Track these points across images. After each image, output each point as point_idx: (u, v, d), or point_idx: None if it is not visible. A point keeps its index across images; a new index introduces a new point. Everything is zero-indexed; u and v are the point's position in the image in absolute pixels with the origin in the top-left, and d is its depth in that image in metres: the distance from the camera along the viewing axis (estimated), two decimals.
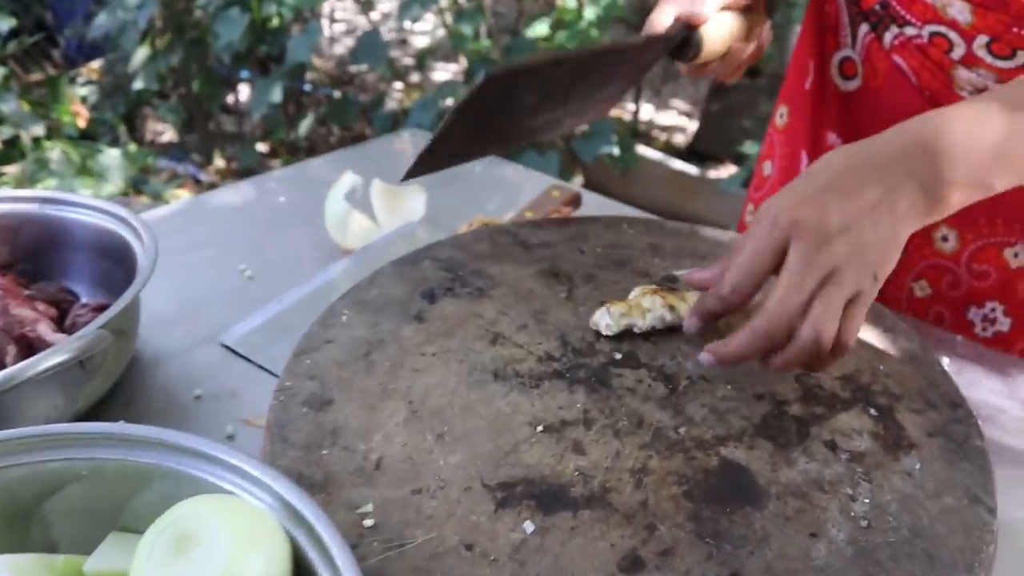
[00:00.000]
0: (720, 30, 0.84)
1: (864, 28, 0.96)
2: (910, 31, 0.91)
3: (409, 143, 1.37)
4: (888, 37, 0.93)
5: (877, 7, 0.93)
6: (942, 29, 0.87)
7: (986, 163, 0.65)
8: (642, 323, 0.75)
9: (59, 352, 0.67)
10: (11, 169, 2.81)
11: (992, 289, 0.95)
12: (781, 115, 1.12)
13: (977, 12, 0.84)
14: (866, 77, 0.98)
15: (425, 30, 4.14)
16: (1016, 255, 0.93)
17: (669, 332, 0.75)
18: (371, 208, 1.08)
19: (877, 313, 0.80)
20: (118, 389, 0.81)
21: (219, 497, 0.53)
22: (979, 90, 0.87)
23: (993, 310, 0.95)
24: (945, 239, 0.96)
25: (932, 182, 0.64)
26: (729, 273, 0.66)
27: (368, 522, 0.57)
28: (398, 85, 3.86)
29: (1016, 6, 0.81)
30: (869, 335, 0.77)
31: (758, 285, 0.66)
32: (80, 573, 0.55)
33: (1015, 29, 0.82)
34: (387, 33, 3.90)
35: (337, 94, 3.32)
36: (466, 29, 2.67)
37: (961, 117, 0.66)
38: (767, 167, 1.14)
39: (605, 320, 0.75)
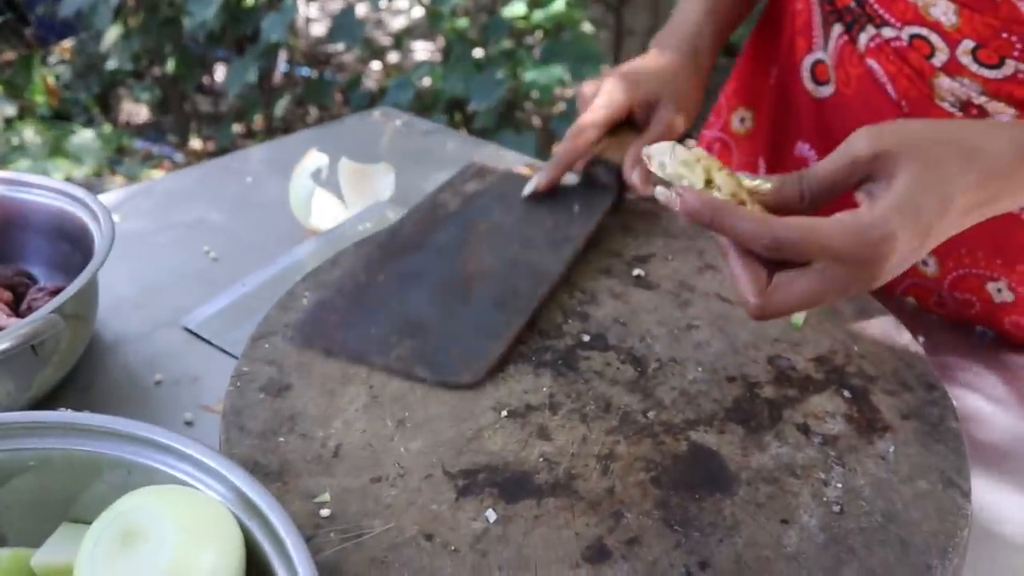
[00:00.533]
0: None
1: (838, 29, 0.90)
2: (888, 32, 0.84)
3: (381, 121, 1.34)
4: (863, 39, 0.87)
5: (852, 4, 0.87)
6: (923, 31, 0.81)
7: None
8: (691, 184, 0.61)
9: (7, 337, 0.65)
10: None
11: (979, 317, 0.90)
12: (743, 120, 1.08)
13: (963, 13, 0.78)
14: (839, 84, 0.92)
15: (402, 8, 4.10)
16: (999, 290, 0.88)
17: (639, 314, 0.74)
18: (339, 188, 1.05)
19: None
20: (76, 374, 0.79)
21: (170, 489, 0.51)
22: (962, 102, 0.81)
23: (984, 333, 0.91)
24: (925, 263, 0.91)
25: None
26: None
27: (325, 512, 0.55)
28: (376, 65, 3.82)
29: (1006, 8, 0.75)
30: (844, 316, 0.76)
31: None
32: (26, 568, 0.53)
33: (1004, 34, 0.76)
34: (363, 12, 3.85)
35: (314, 74, 3.29)
36: (444, 8, 2.63)
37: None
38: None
39: (663, 158, 0.62)
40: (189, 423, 0.74)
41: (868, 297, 0.78)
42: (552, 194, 0.87)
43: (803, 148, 1.00)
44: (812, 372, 0.69)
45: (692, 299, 0.76)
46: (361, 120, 1.36)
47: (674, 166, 0.61)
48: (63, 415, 0.56)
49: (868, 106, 0.89)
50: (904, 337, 0.74)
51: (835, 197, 0.62)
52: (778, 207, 0.62)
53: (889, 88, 0.86)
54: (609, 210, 0.85)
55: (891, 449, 0.63)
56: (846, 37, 0.89)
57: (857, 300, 0.78)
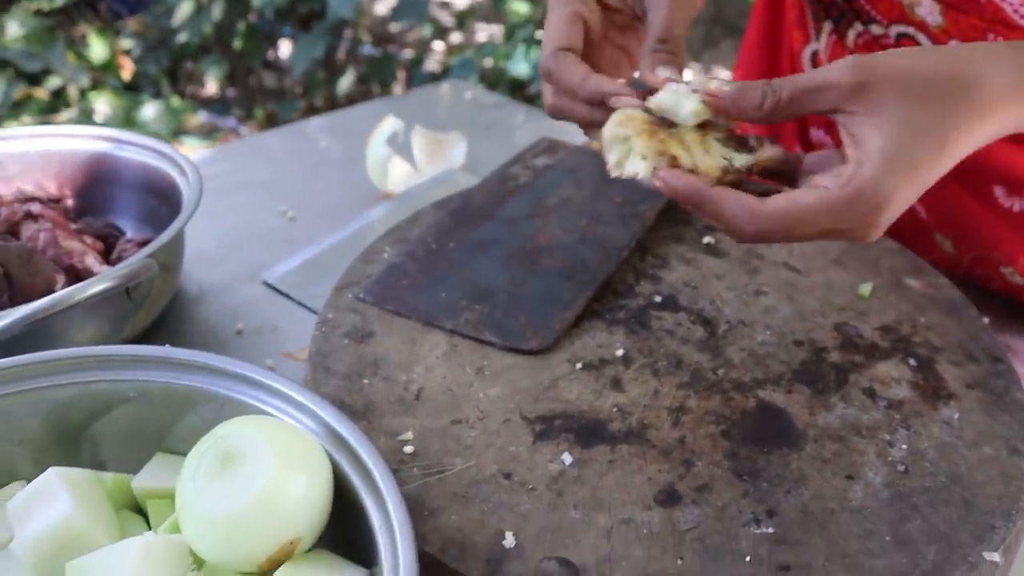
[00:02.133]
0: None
1: (828, 25, 0.89)
2: (876, 30, 0.83)
3: (449, 94, 1.37)
4: (851, 35, 0.86)
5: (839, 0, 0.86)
6: (910, 31, 0.80)
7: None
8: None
9: (107, 278, 0.68)
10: (58, 119, 2.84)
11: (1005, 291, 0.89)
12: None
13: (948, 14, 0.76)
14: None
15: None
16: (1011, 274, 0.87)
17: (708, 279, 0.75)
18: (412, 154, 1.08)
19: (918, 267, 0.79)
20: (162, 322, 0.83)
21: (264, 418, 0.54)
22: None
23: None
24: (944, 241, 0.90)
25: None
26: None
27: (408, 449, 0.57)
28: (439, 45, 3.85)
29: (991, 9, 0.73)
30: (910, 290, 0.76)
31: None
32: (127, 490, 0.56)
33: (990, 36, 0.75)
34: None
35: (378, 52, 3.32)
36: None
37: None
38: None
39: (636, 168, 0.57)
40: (271, 369, 0.77)
41: (936, 272, 0.79)
42: None
43: (818, 133, 1.00)
44: (878, 340, 0.70)
45: (761, 267, 0.78)
46: (431, 92, 1.39)
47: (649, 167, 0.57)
48: (164, 350, 0.58)
49: None
50: (970, 312, 0.75)
51: (798, 117, 0.58)
52: (735, 113, 0.57)
53: None
54: None
55: (956, 416, 0.64)
56: (835, 35, 0.88)
57: (924, 275, 0.78)
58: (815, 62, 0.95)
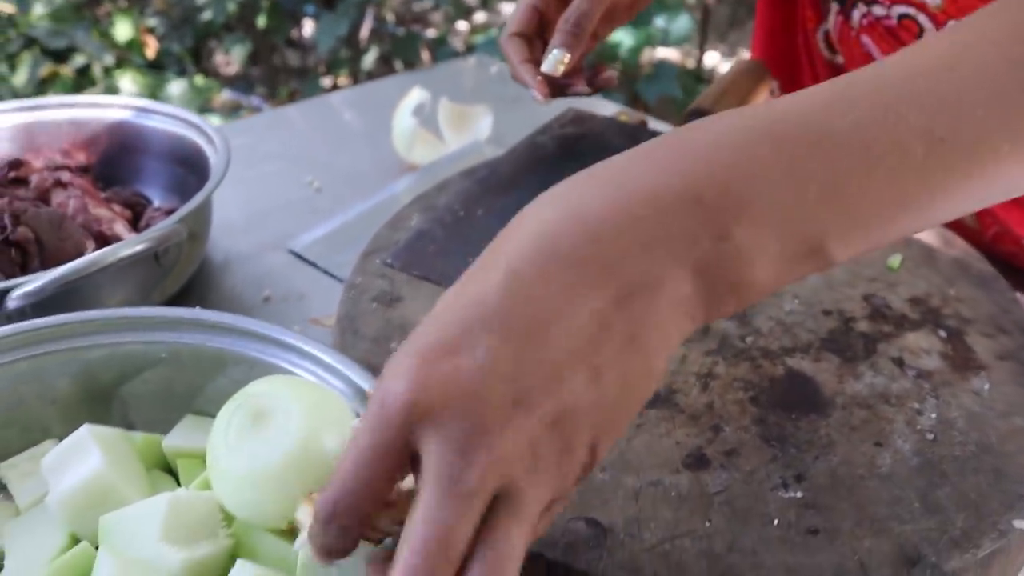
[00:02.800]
0: None
1: (835, 6, 0.89)
2: (878, 10, 0.83)
3: (477, 67, 1.36)
4: (856, 15, 0.86)
5: None
6: (911, 11, 0.80)
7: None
8: None
9: (137, 242, 0.69)
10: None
11: None
12: (772, 91, 1.02)
13: None
14: (845, 60, 0.91)
15: None
16: None
17: None
18: (438, 126, 1.08)
19: (948, 240, 0.78)
20: (189, 290, 0.83)
21: (294, 378, 0.54)
22: None
23: None
24: (964, 218, 0.88)
25: (715, 256, 0.37)
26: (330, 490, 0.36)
27: None
28: (463, 25, 3.84)
29: None
30: (940, 262, 0.76)
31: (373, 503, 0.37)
32: (157, 449, 0.57)
33: None
34: None
35: (401, 31, 3.32)
36: None
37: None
38: None
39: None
40: None
41: (967, 245, 0.78)
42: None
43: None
44: (907, 311, 0.70)
45: None
46: (457, 65, 1.39)
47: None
48: (195, 312, 0.59)
49: None
50: (1000, 285, 0.74)
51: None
52: None
53: None
54: None
55: (986, 387, 0.63)
56: (842, 15, 0.88)
57: (955, 248, 0.78)
58: (828, 41, 0.94)
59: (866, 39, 0.86)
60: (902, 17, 0.81)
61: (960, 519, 0.52)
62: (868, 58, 0.86)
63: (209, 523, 0.49)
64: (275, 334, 0.58)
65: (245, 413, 0.49)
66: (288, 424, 0.48)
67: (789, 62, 1.01)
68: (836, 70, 0.95)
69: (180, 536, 0.47)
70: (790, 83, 1.02)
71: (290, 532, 0.47)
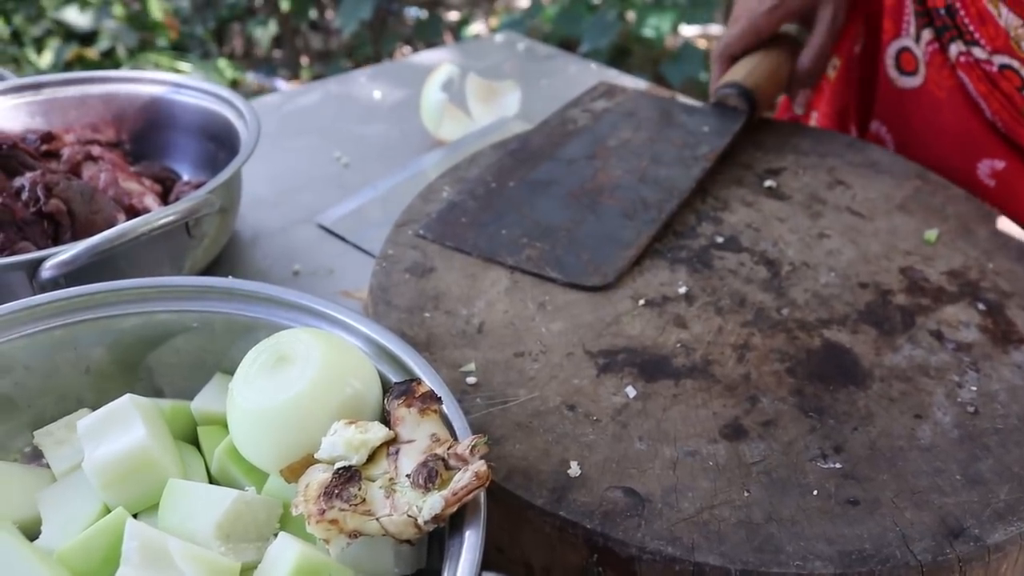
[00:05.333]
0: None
1: (927, 34, 0.86)
2: (979, 53, 0.81)
3: (504, 44, 1.36)
4: (953, 50, 0.84)
5: (942, 10, 0.84)
6: (1014, 64, 0.78)
7: None
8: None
9: (169, 212, 0.68)
10: None
11: None
12: (834, 66, 1.03)
13: None
14: (929, 83, 0.88)
15: None
16: None
17: (770, 221, 0.74)
18: (465, 102, 1.07)
19: (985, 213, 0.77)
20: (219, 263, 0.83)
21: (324, 332, 0.53)
22: None
23: None
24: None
25: None
26: None
27: (471, 380, 0.57)
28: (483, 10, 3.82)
29: None
30: (978, 237, 0.75)
31: None
32: (184, 417, 0.57)
33: None
34: None
35: (423, 14, 3.30)
36: None
37: None
38: (813, 118, 1.05)
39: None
40: None
41: (1005, 219, 0.77)
42: (683, 114, 0.88)
43: (878, 127, 0.97)
44: (945, 284, 0.69)
45: (823, 211, 0.76)
46: (485, 43, 1.38)
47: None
48: (227, 281, 0.59)
49: (958, 115, 0.86)
50: None
51: None
52: None
53: (983, 105, 0.83)
54: (739, 132, 0.85)
55: None
56: (936, 45, 0.86)
57: (993, 222, 0.77)
58: (900, 59, 0.92)
59: (963, 75, 0.84)
60: (1003, 68, 0.80)
61: (1003, 491, 0.52)
62: (962, 89, 0.85)
63: (266, 526, 0.49)
64: (308, 302, 0.57)
65: (271, 354, 0.50)
66: (305, 370, 0.48)
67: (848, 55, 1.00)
68: (896, 92, 0.93)
69: (233, 533, 0.47)
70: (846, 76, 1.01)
71: (290, 473, 0.46)
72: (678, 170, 0.79)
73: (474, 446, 0.43)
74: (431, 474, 0.43)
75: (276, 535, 0.48)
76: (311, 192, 0.95)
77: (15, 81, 0.91)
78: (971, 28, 0.81)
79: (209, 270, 0.81)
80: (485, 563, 0.41)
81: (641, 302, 0.64)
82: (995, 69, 0.80)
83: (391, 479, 0.44)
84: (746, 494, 0.51)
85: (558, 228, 0.72)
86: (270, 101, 1.17)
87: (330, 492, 0.43)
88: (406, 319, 0.62)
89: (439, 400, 0.48)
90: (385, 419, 0.48)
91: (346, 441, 0.45)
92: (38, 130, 0.86)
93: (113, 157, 0.86)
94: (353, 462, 0.45)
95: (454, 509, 0.42)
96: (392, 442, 0.46)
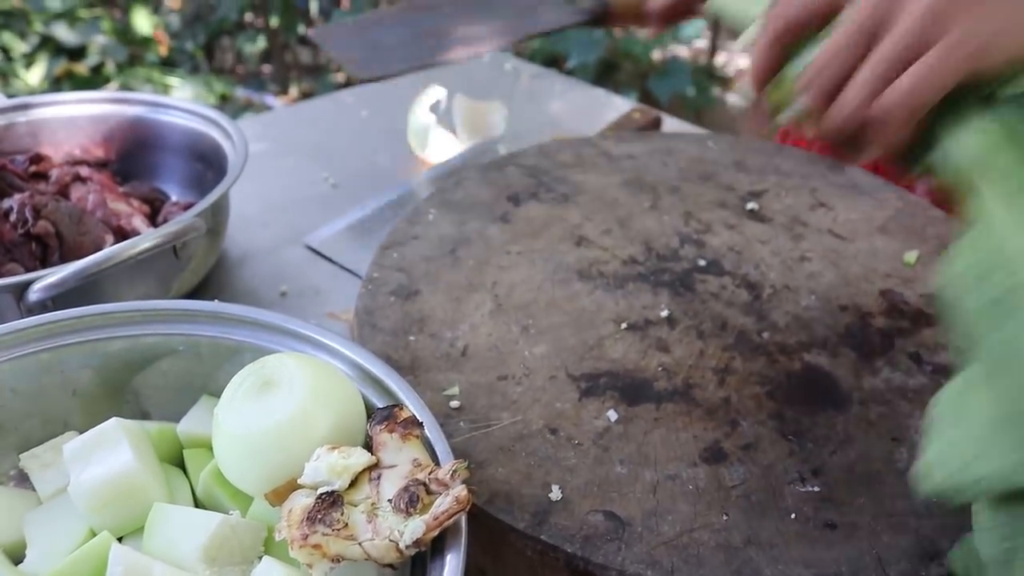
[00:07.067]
0: None
1: None
2: None
3: (491, 64, 1.37)
4: None
5: None
6: None
7: None
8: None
9: (156, 235, 0.69)
10: None
11: None
12: None
13: None
14: None
15: None
16: None
17: (752, 244, 0.75)
18: (452, 123, 1.08)
19: None
20: (207, 284, 0.83)
21: (311, 357, 0.54)
22: None
23: None
24: None
25: None
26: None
27: (455, 403, 0.58)
28: None
29: None
30: None
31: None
32: (169, 440, 0.57)
33: None
34: None
35: None
36: None
37: None
38: None
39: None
40: None
41: None
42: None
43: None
44: (924, 307, 0.70)
45: (805, 233, 0.77)
46: (472, 63, 1.39)
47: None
48: (213, 305, 0.59)
49: None
50: None
51: None
52: None
53: None
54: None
55: None
56: None
57: None
58: None
59: None
60: None
61: None
62: None
63: (248, 553, 0.49)
64: (293, 326, 0.58)
65: (256, 380, 0.50)
66: (290, 396, 0.49)
67: None
68: None
69: (218, 557, 0.48)
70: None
71: (275, 497, 0.47)
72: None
73: (455, 471, 0.44)
74: (412, 499, 0.43)
75: (260, 559, 0.48)
76: (299, 213, 0.95)
77: (3, 102, 0.91)
78: None
79: (197, 290, 0.81)
80: None
81: (623, 325, 0.65)
82: None
83: (373, 504, 0.45)
84: (725, 517, 0.51)
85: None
86: (258, 120, 1.18)
87: (313, 517, 0.44)
88: (391, 342, 0.63)
89: (420, 425, 0.48)
90: (368, 444, 0.49)
91: (329, 466, 0.46)
92: (26, 151, 0.87)
93: (101, 178, 0.87)
94: (336, 487, 0.46)
95: (435, 533, 0.42)
96: (374, 467, 0.46)
